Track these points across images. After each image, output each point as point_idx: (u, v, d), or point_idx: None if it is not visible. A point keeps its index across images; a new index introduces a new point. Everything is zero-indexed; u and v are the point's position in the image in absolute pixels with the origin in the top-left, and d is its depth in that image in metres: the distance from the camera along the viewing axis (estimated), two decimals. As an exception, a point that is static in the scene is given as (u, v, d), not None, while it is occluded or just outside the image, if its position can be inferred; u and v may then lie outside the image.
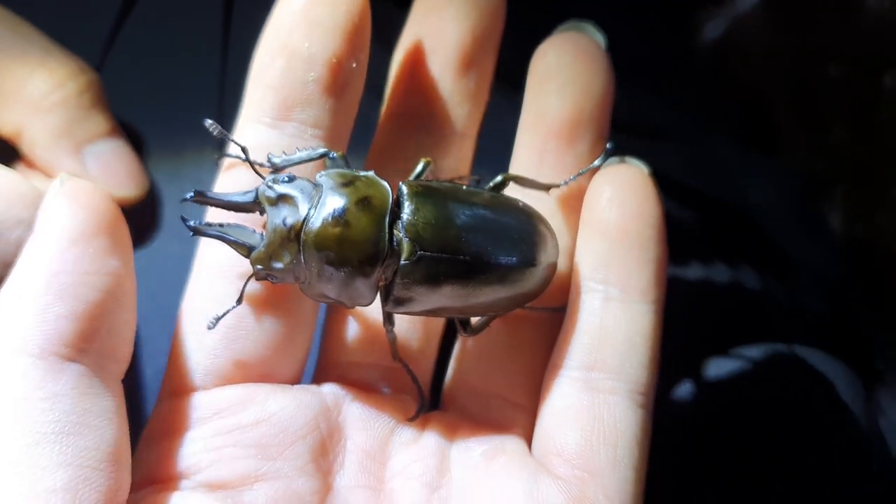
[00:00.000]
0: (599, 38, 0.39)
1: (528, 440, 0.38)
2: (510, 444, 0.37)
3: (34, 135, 0.43)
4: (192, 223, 0.34)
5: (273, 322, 0.35)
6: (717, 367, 0.44)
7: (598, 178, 0.37)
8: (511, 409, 0.38)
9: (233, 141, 0.35)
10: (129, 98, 0.47)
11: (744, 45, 1.16)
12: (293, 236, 0.33)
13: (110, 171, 0.44)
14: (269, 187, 0.34)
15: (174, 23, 0.50)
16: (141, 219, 0.43)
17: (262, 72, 0.35)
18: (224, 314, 0.34)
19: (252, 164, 0.34)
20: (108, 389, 0.30)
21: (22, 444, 0.27)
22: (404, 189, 0.35)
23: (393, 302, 0.35)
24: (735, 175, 0.61)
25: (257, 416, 0.34)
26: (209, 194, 0.34)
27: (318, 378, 0.38)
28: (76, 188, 0.31)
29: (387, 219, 0.33)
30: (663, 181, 0.58)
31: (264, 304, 0.35)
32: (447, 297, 0.35)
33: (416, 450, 0.37)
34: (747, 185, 0.60)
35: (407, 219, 0.34)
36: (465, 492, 0.36)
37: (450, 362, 0.39)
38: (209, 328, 0.34)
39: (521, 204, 0.37)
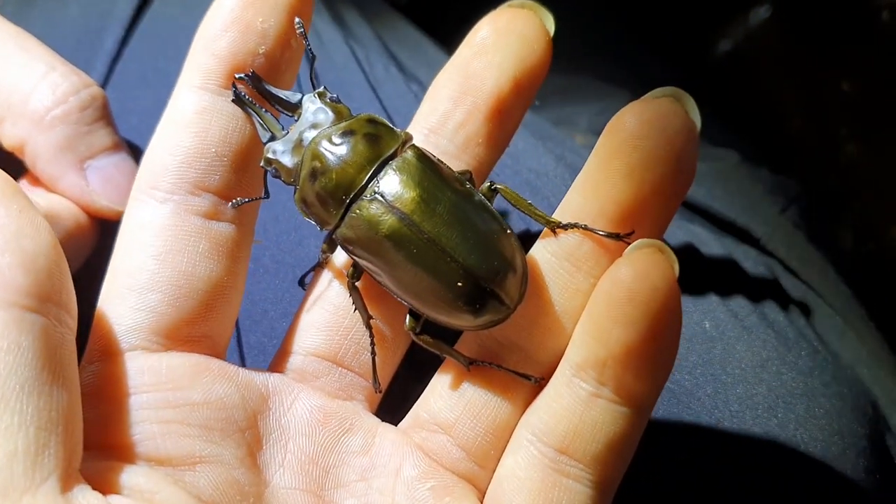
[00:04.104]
0: (696, 114, 0.34)
1: (480, 496, 0.37)
2: (460, 488, 0.36)
3: (37, 149, 0.43)
4: (237, 91, 0.35)
5: (215, 281, 0.35)
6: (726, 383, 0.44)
7: (626, 260, 0.33)
8: (470, 464, 0.37)
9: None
10: (133, 112, 0.47)
11: (756, 60, 1.15)
12: (305, 145, 0.36)
13: (113, 185, 0.44)
14: (315, 97, 0.37)
15: (179, 38, 0.51)
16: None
17: (210, 42, 0.36)
18: (247, 200, 0.36)
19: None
20: (66, 345, 0.29)
21: None
22: (409, 151, 0.36)
23: (341, 234, 0.36)
24: (744, 188, 0.61)
25: (205, 396, 0.34)
26: (264, 83, 0.36)
27: (276, 363, 0.38)
28: None
29: (379, 161, 0.35)
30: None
31: (209, 259, 0.35)
32: (380, 256, 0.35)
33: (364, 464, 0.36)
34: (756, 198, 0.60)
35: (391, 168, 0.35)
36: None
37: (425, 391, 0.38)
38: (232, 205, 0.36)
39: (508, 230, 0.36)
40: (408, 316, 0.36)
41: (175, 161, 0.35)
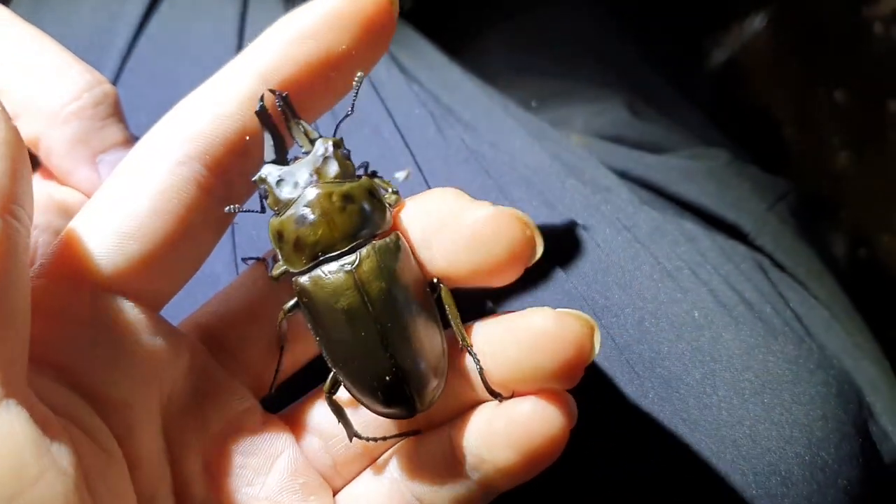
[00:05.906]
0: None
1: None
2: (324, 490, 0.38)
3: (51, 144, 0.44)
4: (263, 105, 0.35)
5: (171, 234, 0.34)
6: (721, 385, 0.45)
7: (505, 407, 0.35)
8: (334, 472, 0.39)
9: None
10: (142, 110, 0.48)
11: (750, 69, 1.17)
12: (302, 187, 0.35)
13: (124, 179, 0.45)
14: (330, 145, 0.36)
15: (189, 35, 0.52)
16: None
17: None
18: (240, 210, 0.36)
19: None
20: (21, 244, 0.28)
21: None
22: (392, 236, 0.36)
23: (300, 284, 0.36)
24: (734, 185, 0.62)
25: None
26: (292, 109, 0.35)
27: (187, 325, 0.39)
28: None
29: (364, 238, 0.35)
30: (666, 197, 0.58)
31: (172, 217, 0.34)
32: (328, 321, 0.36)
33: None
34: (745, 195, 0.61)
35: (373, 249, 0.35)
36: None
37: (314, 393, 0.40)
38: (228, 211, 0.36)
39: (444, 347, 0.37)
40: (329, 378, 0.37)
41: (188, 134, 0.35)
